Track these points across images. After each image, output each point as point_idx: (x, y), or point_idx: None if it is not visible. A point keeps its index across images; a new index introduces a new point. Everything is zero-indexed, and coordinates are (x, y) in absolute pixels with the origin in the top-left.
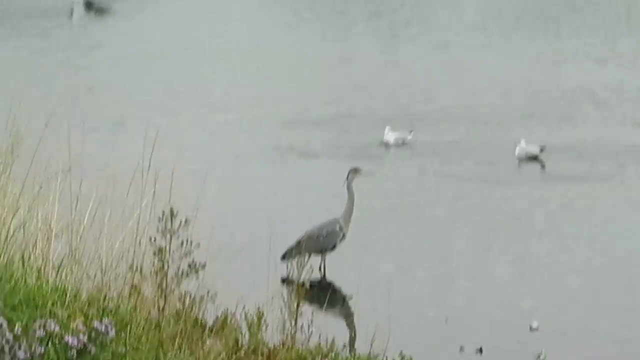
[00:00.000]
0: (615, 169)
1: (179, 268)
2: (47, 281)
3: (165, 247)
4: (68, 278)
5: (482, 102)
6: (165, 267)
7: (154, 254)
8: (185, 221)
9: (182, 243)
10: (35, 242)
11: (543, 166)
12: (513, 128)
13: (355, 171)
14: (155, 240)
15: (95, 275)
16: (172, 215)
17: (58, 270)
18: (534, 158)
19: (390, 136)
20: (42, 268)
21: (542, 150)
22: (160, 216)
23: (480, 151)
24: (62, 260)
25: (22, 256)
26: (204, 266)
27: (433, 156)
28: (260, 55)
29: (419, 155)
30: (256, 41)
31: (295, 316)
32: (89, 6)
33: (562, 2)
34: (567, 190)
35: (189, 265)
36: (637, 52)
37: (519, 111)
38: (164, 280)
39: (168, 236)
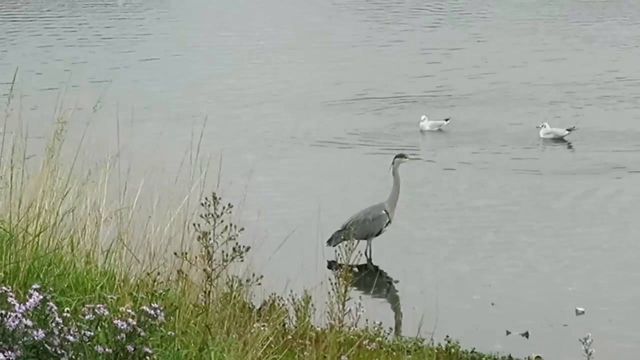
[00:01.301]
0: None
1: (224, 252)
2: (96, 266)
3: (210, 232)
4: (117, 263)
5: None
6: (210, 251)
7: (198, 238)
8: (229, 205)
9: (226, 227)
10: (84, 227)
11: (570, 147)
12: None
13: (401, 157)
14: (199, 226)
15: (143, 260)
16: (215, 199)
17: (107, 255)
18: (560, 139)
19: (426, 124)
20: (91, 253)
21: (570, 130)
22: (205, 201)
23: (512, 136)
24: (111, 245)
25: (71, 241)
26: (248, 249)
27: (467, 143)
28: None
29: (455, 143)
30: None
31: (342, 300)
32: None
33: None
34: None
35: (234, 249)
36: None
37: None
38: (210, 265)
39: (212, 221)
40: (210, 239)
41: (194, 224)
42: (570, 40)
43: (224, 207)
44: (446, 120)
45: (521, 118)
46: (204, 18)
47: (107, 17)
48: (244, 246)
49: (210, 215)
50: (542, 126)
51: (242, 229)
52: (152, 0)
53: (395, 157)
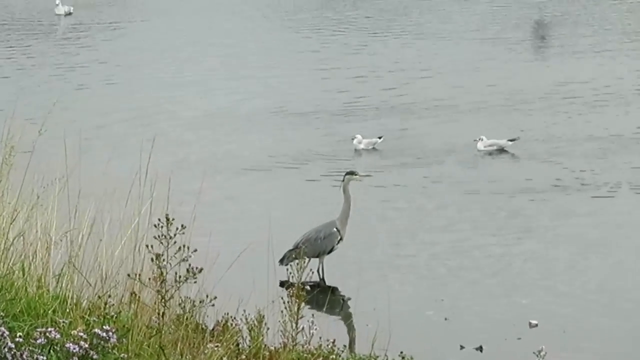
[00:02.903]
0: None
1: (176, 274)
2: (48, 290)
3: (162, 253)
4: (68, 286)
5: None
6: (164, 273)
7: (152, 260)
8: (182, 227)
9: (179, 249)
10: (35, 251)
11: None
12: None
13: (351, 174)
14: (152, 247)
15: (95, 283)
16: (168, 221)
17: (58, 279)
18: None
19: (360, 142)
20: (43, 277)
21: (513, 141)
22: (157, 223)
23: (450, 150)
24: (62, 268)
25: (22, 265)
26: (201, 271)
27: (400, 158)
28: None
29: (389, 158)
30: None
31: (295, 319)
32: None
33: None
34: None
35: (187, 270)
36: None
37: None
38: (163, 286)
39: (165, 242)
40: (163, 260)
41: (147, 245)
42: (514, 48)
43: (177, 229)
44: (379, 138)
45: (459, 130)
46: (144, 38)
47: (47, 41)
48: (196, 267)
49: (163, 237)
50: (480, 139)
51: (195, 250)
52: (93, 30)
53: (346, 174)
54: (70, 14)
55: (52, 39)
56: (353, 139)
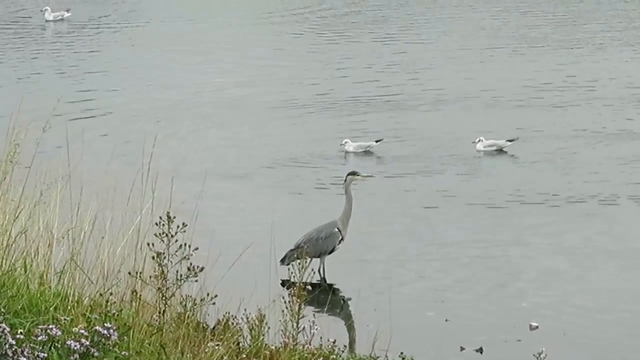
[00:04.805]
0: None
1: (177, 272)
2: (50, 287)
3: (164, 252)
4: (70, 284)
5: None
6: (165, 271)
7: (153, 258)
8: (183, 225)
9: (180, 247)
10: (37, 248)
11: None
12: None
13: (353, 174)
14: (153, 245)
15: (97, 281)
16: (169, 219)
17: (60, 276)
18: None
19: (349, 146)
20: (45, 274)
21: (512, 141)
22: (158, 221)
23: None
24: (64, 266)
25: (24, 262)
26: (202, 269)
27: (397, 161)
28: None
29: (385, 161)
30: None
31: (296, 318)
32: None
33: None
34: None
35: (188, 269)
36: None
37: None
38: (164, 285)
39: (166, 240)
40: (164, 258)
41: (148, 244)
42: (513, 43)
43: (178, 227)
44: (377, 141)
45: (456, 129)
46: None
47: (36, 42)
48: (198, 266)
49: (165, 235)
50: (479, 140)
51: (197, 249)
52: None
53: (348, 174)
54: (62, 19)
55: (42, 42)
56: (342, 144)
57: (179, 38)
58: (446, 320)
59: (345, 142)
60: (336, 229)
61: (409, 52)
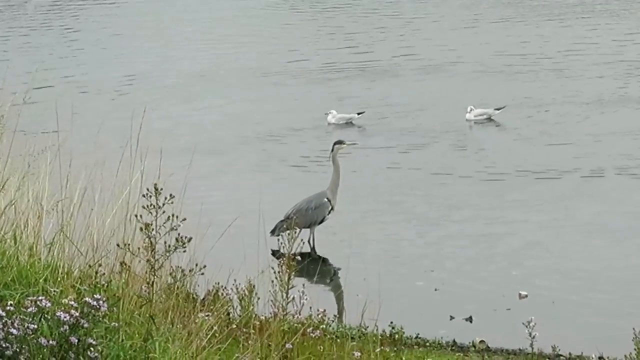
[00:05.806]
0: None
1: (166, 243)
2: (39, 259)
3: (151, 223)
4: (60, 255)
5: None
6: (153, 242)
7: (141, 229)
8: (171, 196)
9: (168, 218)
10: (27, 220)
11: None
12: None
13: (339, 143)
14: (141, 217)
15: (86, 253)
16: (157, 190)
17: (50, 248)
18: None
19: (332, 117)
20: (34, 246)
21: (499, 110)
22: (145, 193)
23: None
24: (54, 237)
25: (14, 234)
26: (190, 240)
27: (382, 134)
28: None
29: (370, 134)
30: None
31: (286, 289)
32: None
33: None
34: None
35: (176, 240)
36: None
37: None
38: (153, 256)
39: (154, 212)
40: (152, 229)
41: (136, 215)
42: (501, 11)
43: (165, 198)
44: (358, 114)
45: (443, 98)
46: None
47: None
48: (186, 237)
49: (152, 206)
50: (470, 110)
51: (184, 219)
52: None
53: (334, 143)
54: None
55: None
56: (327, 114)
57: (164, 12)
58: (435, 289)
59: (330, 112)
60: (326, 199)
61: (395, 22)
